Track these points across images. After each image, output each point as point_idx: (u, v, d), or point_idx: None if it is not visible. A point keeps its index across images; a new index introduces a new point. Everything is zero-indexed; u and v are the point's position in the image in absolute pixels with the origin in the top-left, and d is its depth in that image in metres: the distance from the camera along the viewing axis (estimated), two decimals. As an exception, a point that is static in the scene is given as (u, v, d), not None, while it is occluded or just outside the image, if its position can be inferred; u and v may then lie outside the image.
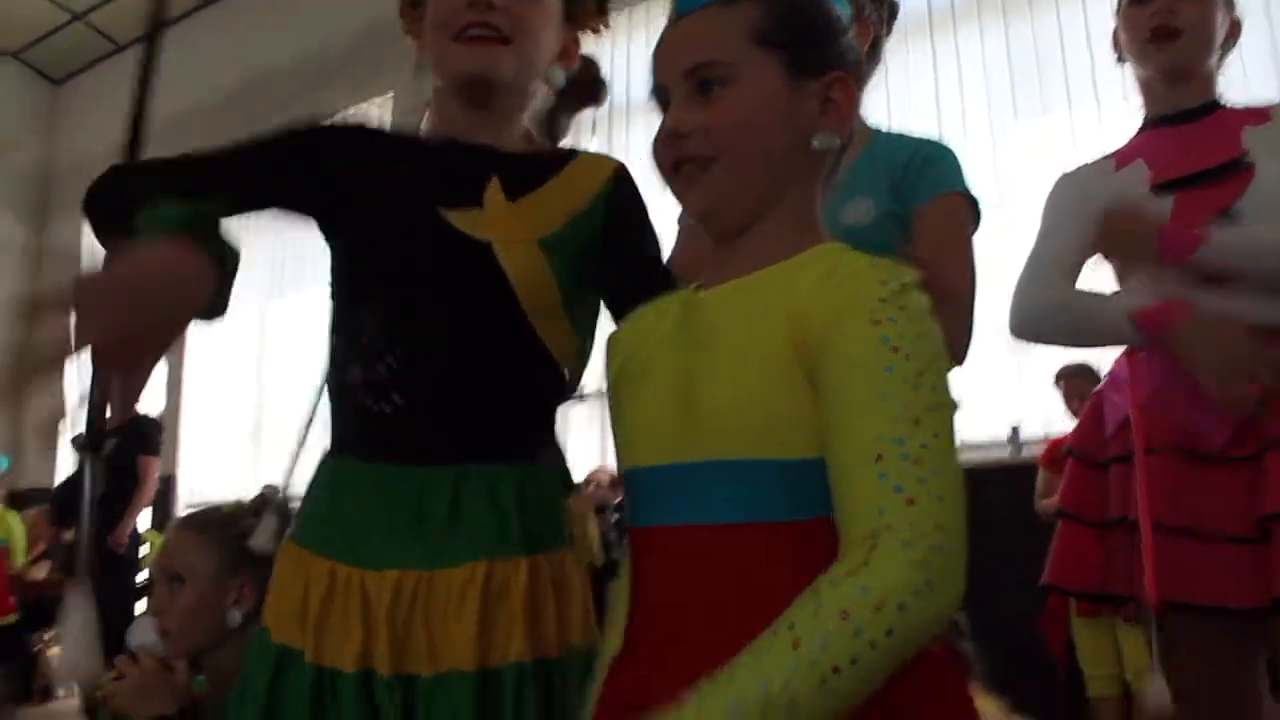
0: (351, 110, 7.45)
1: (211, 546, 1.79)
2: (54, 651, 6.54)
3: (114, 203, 1.24)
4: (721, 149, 1.05)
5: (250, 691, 1.22)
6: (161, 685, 1.70)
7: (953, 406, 0.92)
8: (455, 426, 1.26)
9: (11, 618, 6.06)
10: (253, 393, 8.26)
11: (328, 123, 1.40)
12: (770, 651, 0.81)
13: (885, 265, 0.96)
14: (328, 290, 1.37)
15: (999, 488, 4.11)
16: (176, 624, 1.75)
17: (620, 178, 1.39)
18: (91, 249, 7.28)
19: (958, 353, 1.63)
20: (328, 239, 1.38)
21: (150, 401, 5.79)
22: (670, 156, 1.08)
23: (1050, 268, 1.93)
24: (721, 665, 0.83)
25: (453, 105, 1.38)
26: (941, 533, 0.83)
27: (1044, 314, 1.91)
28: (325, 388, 1.36)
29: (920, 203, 1.75)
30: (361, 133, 1.40)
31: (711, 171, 1.06)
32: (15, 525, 6.42)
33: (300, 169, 1.33)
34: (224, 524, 1.82)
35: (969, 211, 1.77)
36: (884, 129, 1.89)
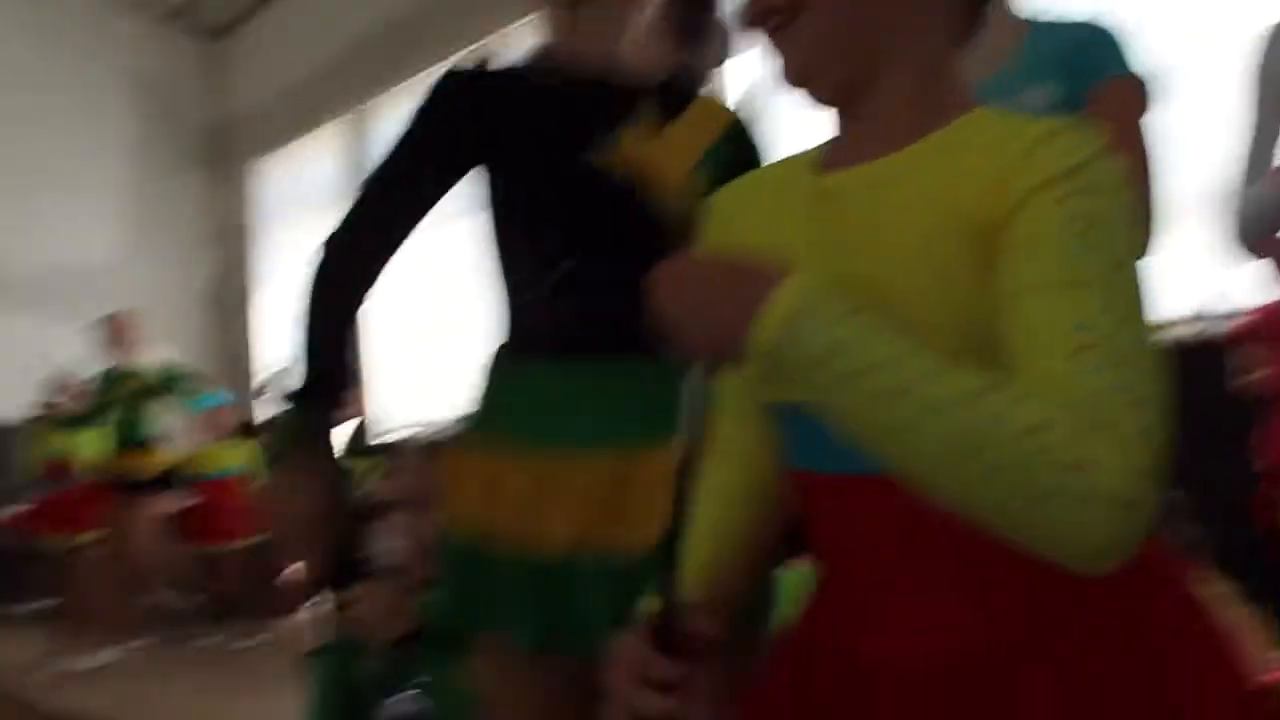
0: (495, 35, 7.46)
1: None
2: (292, 570, 7.11)
3: (334, 304, 1.51)
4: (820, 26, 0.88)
5: (454, 589, 1.28)
6: (400, 608, 1.78)
7: (1144, 286, 0.80)
8: (626, 324, 1.31)
9: (254, 539, 6.55)
10: (421, 319, 8.48)
11: (469, 81, 1.50)
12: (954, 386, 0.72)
13: (1068, 130, 0.82)
14: (489, 214, 1.50)
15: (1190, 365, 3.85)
16: (419, 548, 1.82)
17: (738, 127, 1.47)
18: (259, 200, 7.63)
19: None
20: (492, 175, 1.48)
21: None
22: (755, 8, 0.91)
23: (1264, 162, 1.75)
24: (936, 617, 0.82)
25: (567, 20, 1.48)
26: (1155, 441, 0.72)
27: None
28: (501, 301, 1.47)
29: (1086, 91, 1.66)
30: (507, 81, 1.49)
31: (799, 23, 0.88)
32: (254, 456, 6.84)
33: (463, 155, 1.46)
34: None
35: (1137, 95, 1.67)
36: (1039, 19, 1.81)
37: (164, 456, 5.27)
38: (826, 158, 0.95)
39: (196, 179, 11.94)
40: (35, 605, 6.71)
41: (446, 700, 1.54)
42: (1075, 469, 0.69)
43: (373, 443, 6.96)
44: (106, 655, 5.61)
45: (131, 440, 5.35)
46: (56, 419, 5.99)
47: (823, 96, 0.93)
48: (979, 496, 0.71)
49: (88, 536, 5.66)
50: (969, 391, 0.72)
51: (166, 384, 5.28)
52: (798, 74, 0.91)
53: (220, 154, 11.88)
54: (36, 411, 6.20)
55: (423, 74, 9.17)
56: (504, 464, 1.31)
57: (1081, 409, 0.71)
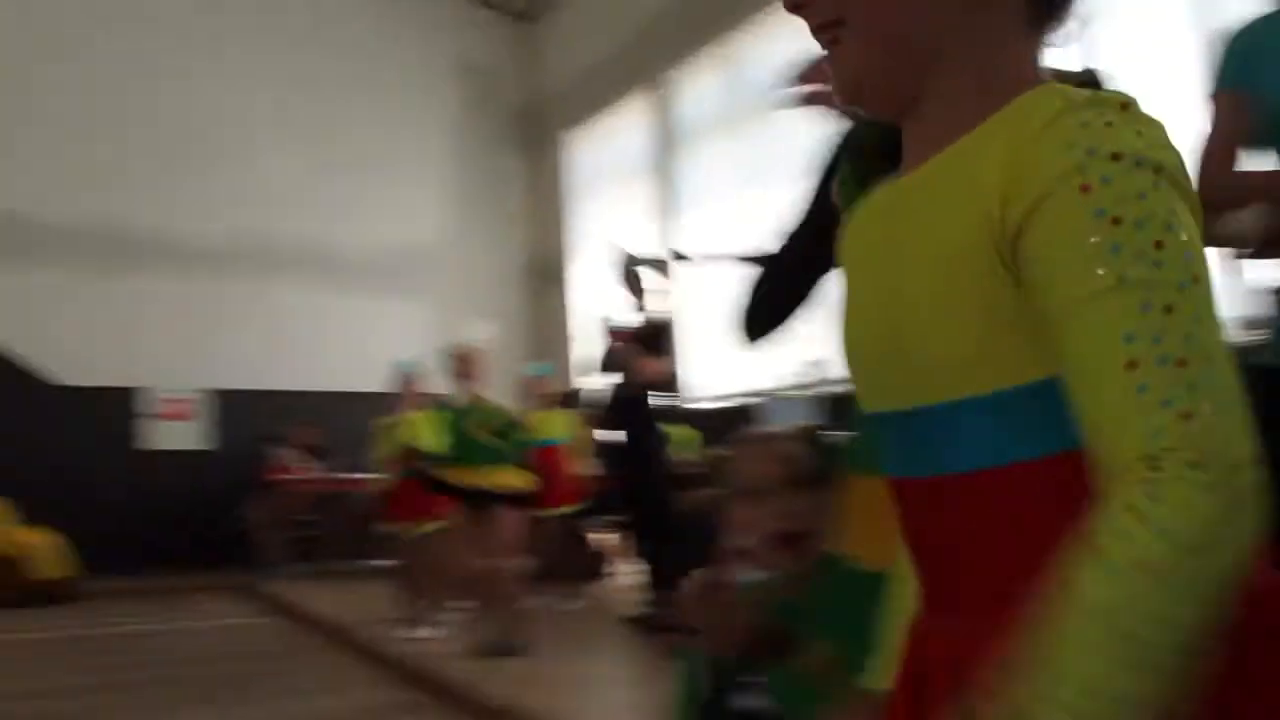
0: None
1: (790, 464, 1.72)
2: (603, 537, 7.41)
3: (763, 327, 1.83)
4: (845, 5, 0.85)
5: (847, 626, 1.17)
6: (737, 618, 1.60)
7: (1208, 272, 0.70)
8: None
9: (574, 507, 6.82)
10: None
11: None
12: (1073, 633, 0.66)
13: (1085, 103, 0.73)
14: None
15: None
16: (763, 543, 1.67)
17: None
18: (571, 174, 7.79)
19: None
20: None
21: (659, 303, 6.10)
22: (810, 24, 0.88)
23: None
24: (1004, 624, 0.72)
25: None
26: (1231, 443, 0.66)
27: None
28: None
29: None
30: None
31: (843, 39, 0.85)
32: (575, 426, 7.06)
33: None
34: (800, 439, 1.75)
35: None
36: None
37: (502, 478, 5.48)
38: (904, 165, 0.90)
39: (512, 156, 12.47)
40: (382, 563, 7.20)
41: (791, 697, 1.43)
42: (1186, 552, 0.65)
43: (688, 410, 7.01)
44: (439, 624, 5.96)
45: (473, 461, 5.57)
46: (403, 415, 6.41)
47: (877, 109, 0.89)
48: (1192, 646, 0.65)
49: (430, 526, 6.03)
50: (1091, 629, 0.66)
51: (504, 432, 5.48)
52: (847, 92, 0.88)
53: (534, 131, 12.35)
54: (388, 404, 6.65)
55: (720, 44, 9.14)
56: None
57: (1132, 451, 0.67)
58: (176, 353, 10.12)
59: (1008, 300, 0.75)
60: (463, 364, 5.63)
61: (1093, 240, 0.69)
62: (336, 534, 9.67)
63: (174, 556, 9.66)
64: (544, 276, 12.13)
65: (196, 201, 10.38)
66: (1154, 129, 0.73)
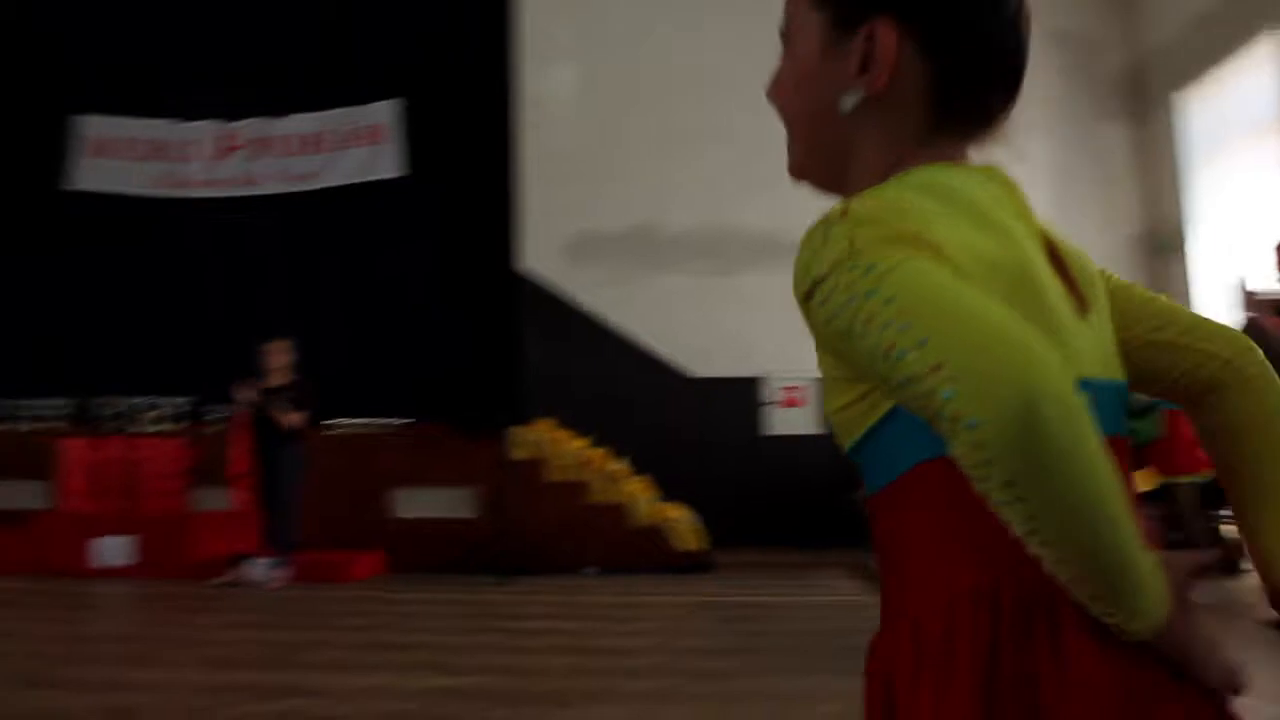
0: None
1: None
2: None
3: None
4: (777, 108, 1.11)
5: None
6: None
7: (895, 293, 0.83)
8: None
9: (1199, 477, 6.33)
10: None
11: None
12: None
13: (807, 239, 0.92)
14: None
15: None
16: None
17: None
18: (1184, 136, 7.20)
19: None
20: None
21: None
22: None
23: None
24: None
25: None
26: (950, 363, 0.78)
27: None
28: None
29: None
30: None
31: (788, 132, 1.10)
32: None
33: None
34: None
35: None
36: None
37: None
38: None
39: (1116, 124, 11.75)
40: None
41: None
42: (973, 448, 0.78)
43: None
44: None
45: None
46: None
47: (818, 188, 1.11)
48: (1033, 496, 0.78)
49: None
50: None
51: (1150, 404, 5.24)
52: (794, 173, 1.12)
53: (1139, 95, 11.54)
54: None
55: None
56: None
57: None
58: (789, 342, 10.82)
59: (837, 369, 0.96)
60: None
61: (832, 342, 0.91)
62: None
63: (791, 533, 10.36)
64: (1160, 249, 11.29)
65: (801, 198, 11.00)
66: (835, 239, 0.89)
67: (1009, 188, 1.01)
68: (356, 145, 11.51)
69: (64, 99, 11.42)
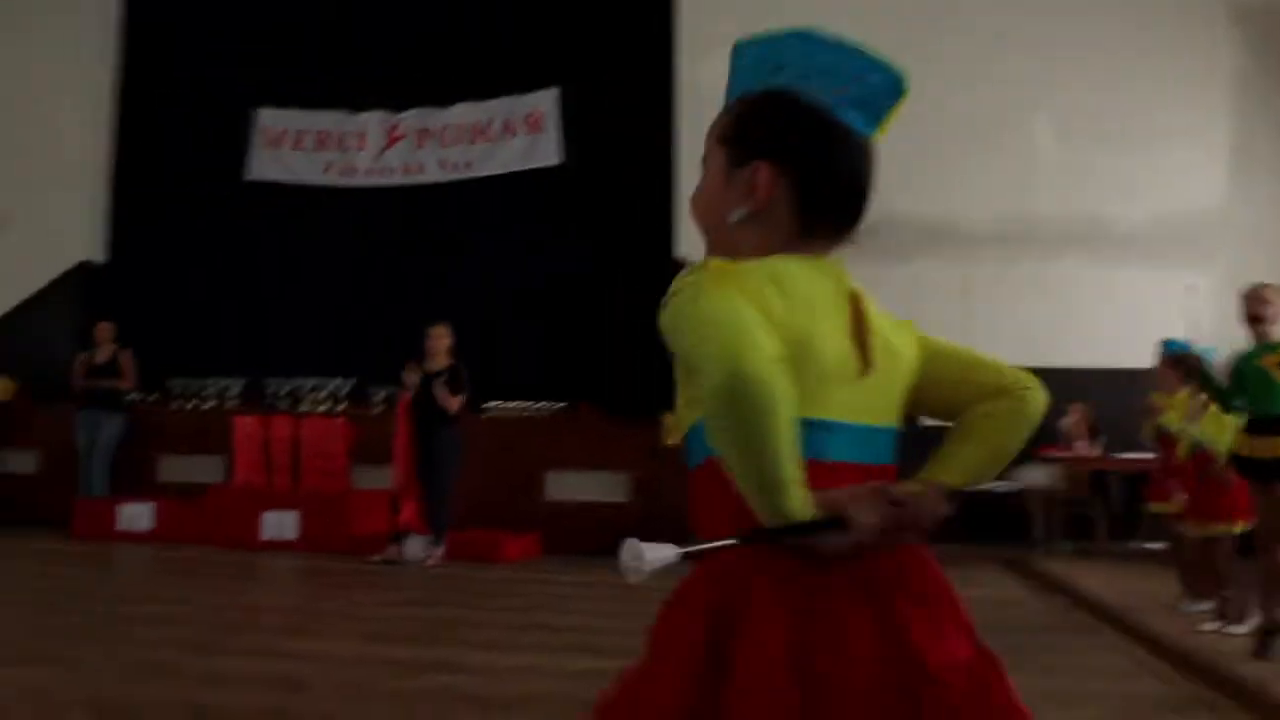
0: None
1: None
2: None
3: None
4: (695, 218, 1.55)
5: None
6: None
7: (703, 308, 1.28)
8: None
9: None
10: None
11: None
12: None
13: (682, 274, 1.36)
14: None
15: None
16: None
17: None
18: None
19: None
20: None
21: None
22: None
23: None
24: None
25: None
26: (720, 377, 1.21)
27: None
28: None
29: None
30: None
31: None
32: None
33: None
34: None
35: None
36: None
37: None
38: None
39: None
40: (1153, 545, 6.89)
41: None
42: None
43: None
44: (1230, 618, 5.51)
45: (1263, 421, 5.02)
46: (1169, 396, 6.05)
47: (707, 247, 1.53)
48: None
49: (1221, 529, 5.67)
50: None
51: None
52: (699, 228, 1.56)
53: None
54: (1154, 382, 6.37)
55: None
56: None
57: None
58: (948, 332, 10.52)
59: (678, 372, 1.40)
60: (1257, 304, 5.11)
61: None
62: (1108, 514, 9.50)
63: (944, 527, 10.08)
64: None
65: (977, 187, 10.67)
66: (693, 275, 1.34)
67: (836, 278, 1.42)
68: (517, 134, 11.69)
69: (243, 93, 11.93)
